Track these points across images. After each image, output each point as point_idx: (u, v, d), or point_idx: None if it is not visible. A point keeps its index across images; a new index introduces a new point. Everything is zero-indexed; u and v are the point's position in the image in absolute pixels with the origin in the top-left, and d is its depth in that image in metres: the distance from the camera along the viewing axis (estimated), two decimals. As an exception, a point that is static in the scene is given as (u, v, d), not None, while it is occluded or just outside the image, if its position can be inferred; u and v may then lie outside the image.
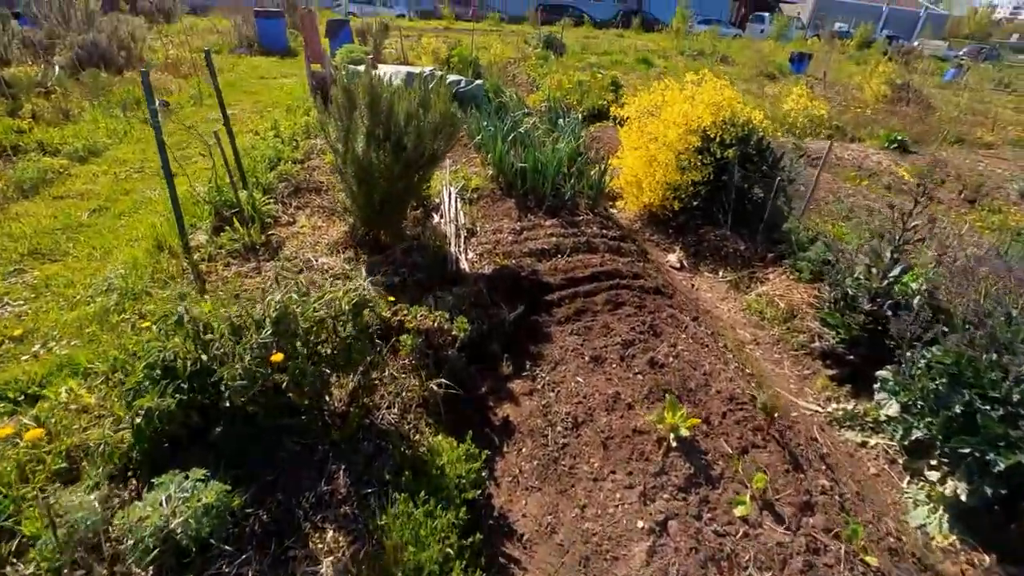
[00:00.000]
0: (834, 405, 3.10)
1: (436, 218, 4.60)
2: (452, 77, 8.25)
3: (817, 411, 3.12)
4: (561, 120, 6.72)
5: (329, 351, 2.26)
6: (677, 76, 14.75)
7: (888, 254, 2.90)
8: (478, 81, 8.36)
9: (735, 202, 4.53)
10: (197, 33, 17.18)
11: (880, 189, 7.19)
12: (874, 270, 2.98)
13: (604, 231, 4.32)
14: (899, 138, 9.98)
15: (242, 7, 17.69)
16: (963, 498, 2.11)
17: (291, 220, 4.43)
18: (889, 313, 2.90)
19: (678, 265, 4.56)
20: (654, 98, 4.86)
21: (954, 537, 2.24)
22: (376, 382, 2.51)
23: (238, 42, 14.92)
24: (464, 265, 4.00)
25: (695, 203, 4.84)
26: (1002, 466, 1.97)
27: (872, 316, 2.94)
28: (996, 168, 9.56)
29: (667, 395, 2.48)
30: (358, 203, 3.69)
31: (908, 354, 2.50)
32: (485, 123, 5.53)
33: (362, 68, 8.37)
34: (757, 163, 4.80)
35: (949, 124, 12.17)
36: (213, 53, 14.24)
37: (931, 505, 2.34)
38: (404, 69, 8.51)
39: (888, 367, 2.73)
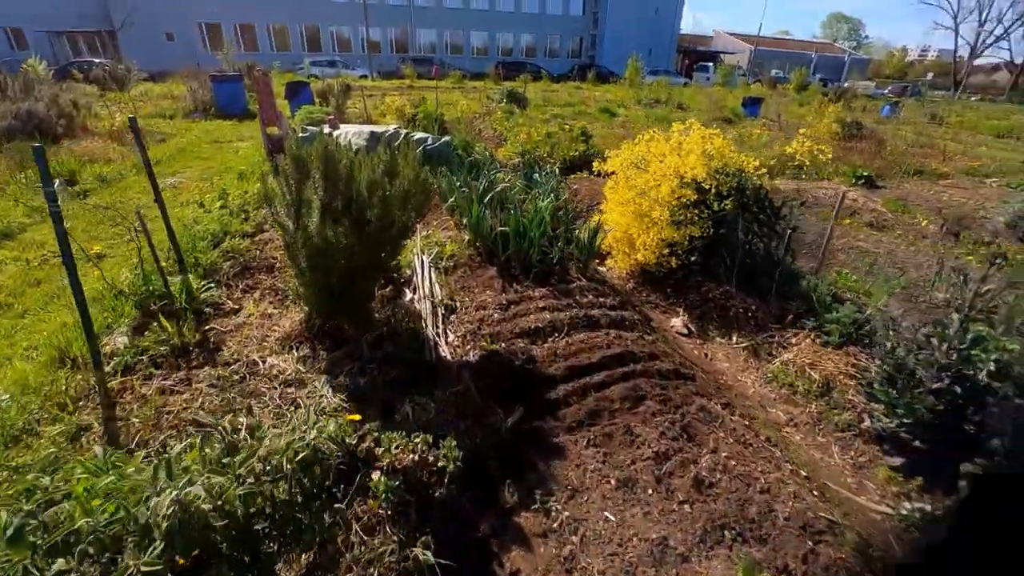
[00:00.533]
0: (907, 505, 2.55)
1: (408, 294, 4.01)
2: (418, 135, 7.89)
3: (887, 513, 2.57)
4: (537, 175, 6.36)
5: (267, 527, 1.58)
6: (639, 124, 14.87)
7: (956, 323, 2.46)
8: (445, 138, 8.03)
9: (740, 256, 4.12)
10: (151, 99, 16.67)
11: (863, 227, 7.04)
12: (935, 341, 2.53)
13: (601, 299, 3.81)
14: (864, 174, 10.14)
15: (200, 73, 17.39)
16: None
17: (236, 307, 3.75)
18: (958, 390, 2.43)
19: (685, 331, 4.06)
20: (639, 150, 4.52)
21: None
22: (338, 554, 1.82)
23: (194, 106, 14.45)
24: (445, 351, 3.39)
25: (692, 259, 4.43)
26: None
27: (943, 396, 2.46)
28: (959, 198, 9.74)
29: (725, 532, 1.89)
30: (314, 291, 3.07)
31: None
32: (458, 183, 5.08)
33: (322, 129, 7.96)
34: (755, 213, 4.46)
35: (902, 157, 12.59)
36: (166, 119, 13.74)
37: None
38: (367, 128, 8.13)
39: (978, 461, 2.22)
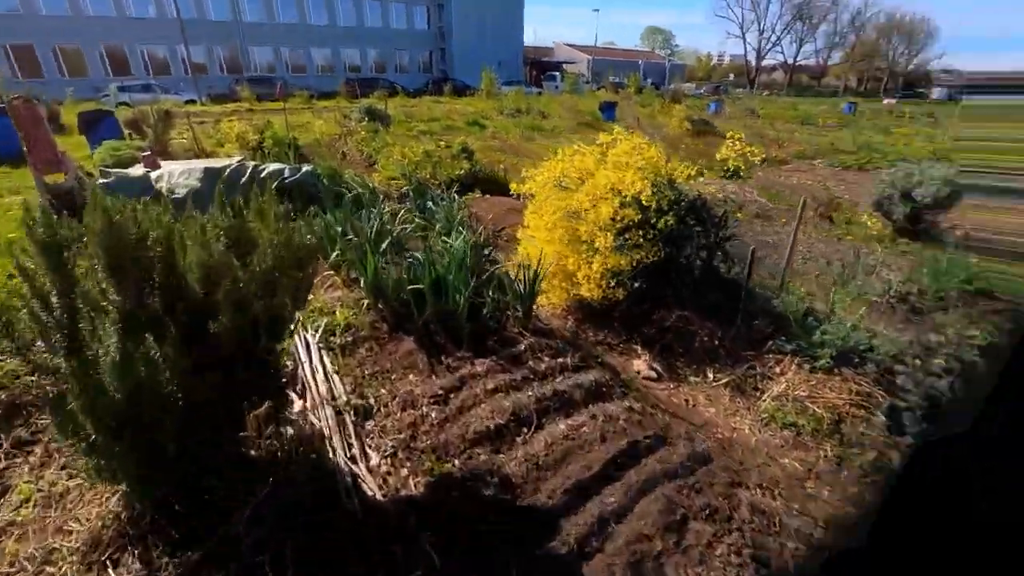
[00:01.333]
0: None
1: (296, 401, 2.80)
2: (271, 166, 6.42)
3: None
4: (431, 202, 5.40)
5: None
6: (511, 134, 14.48)
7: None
8: (306, 167, 6.64)
9: (698, 275, 3.62)
10: None
11: (755, 219, 7.25)
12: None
13: (559, 358, 3.00)
14: (730, 167, 10.83)
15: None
16: None
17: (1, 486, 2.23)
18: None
19: (652, 374, 3.43)
20: (561, 167, 3.82)
21: None
22: None
23: (-64, 153, 10.75)
24: (370, 486, 2.30)
25: (636, 284, 3.85)
26: None
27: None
28: (806, 180, 10.86)
29: None
30: (129, 459, 1.78)
31: None
32: (339, 228, 3.91)
33: (134, 172, 6.07)
34: (692, 225, 4.03)
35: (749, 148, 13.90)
36: None
37: None
38: (199, 164, 6.41)
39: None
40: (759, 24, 73.42)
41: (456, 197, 5.47)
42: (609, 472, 2.10)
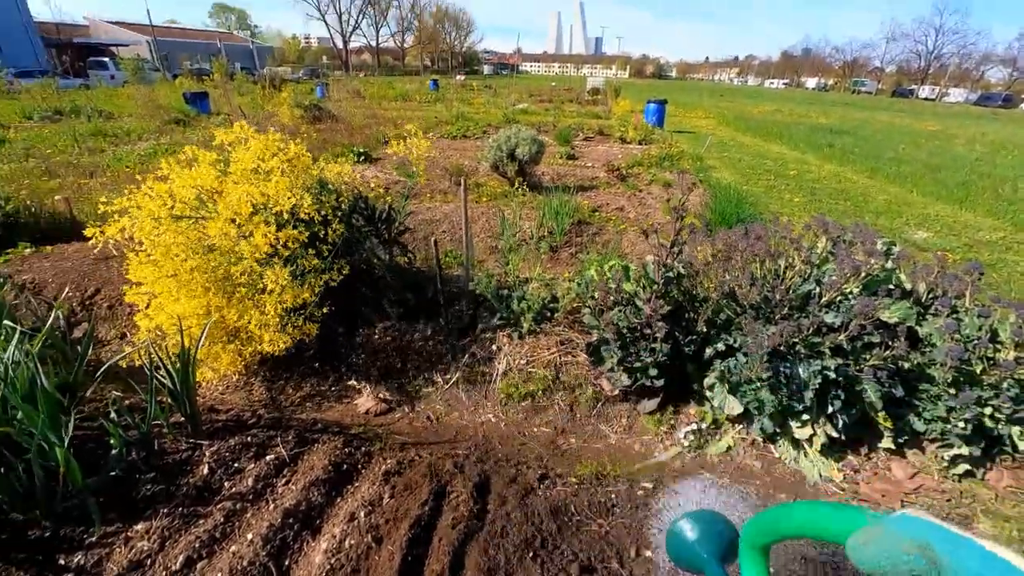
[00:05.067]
0: (682, 431, 2.72)
1: None
2: None
3: (682, 449, 2.66)
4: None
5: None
6: (63, 148, 10.55)
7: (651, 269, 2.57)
8: None
9: (387, 278, 3.25)
10: None
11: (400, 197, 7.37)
12: (641, 292, 2.61)
13: (268, 454, 2.18)
14: (361, 150, 10.73)
15: None
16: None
17: None
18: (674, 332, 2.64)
19: (383, 406, 2.97)
20: (171, 187, 2.69)
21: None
22: None
23: None
24: None
25: (325, 310, 3.24)
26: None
27: (668, 339, 2.61)
28: (431, 153, 11.86)
29: None
30: None
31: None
32: None
33: None
34: (361, 227, 3.62)
35: (368, 129, 14.14)
36: None
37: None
38: None
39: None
40: (336, 7, 75.22)
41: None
42: (413, 571, 1.60)
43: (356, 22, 78.18)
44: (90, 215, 5.24)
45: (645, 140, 12.80)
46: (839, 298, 2.50)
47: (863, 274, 2.46)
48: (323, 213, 3.01)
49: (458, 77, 50.28)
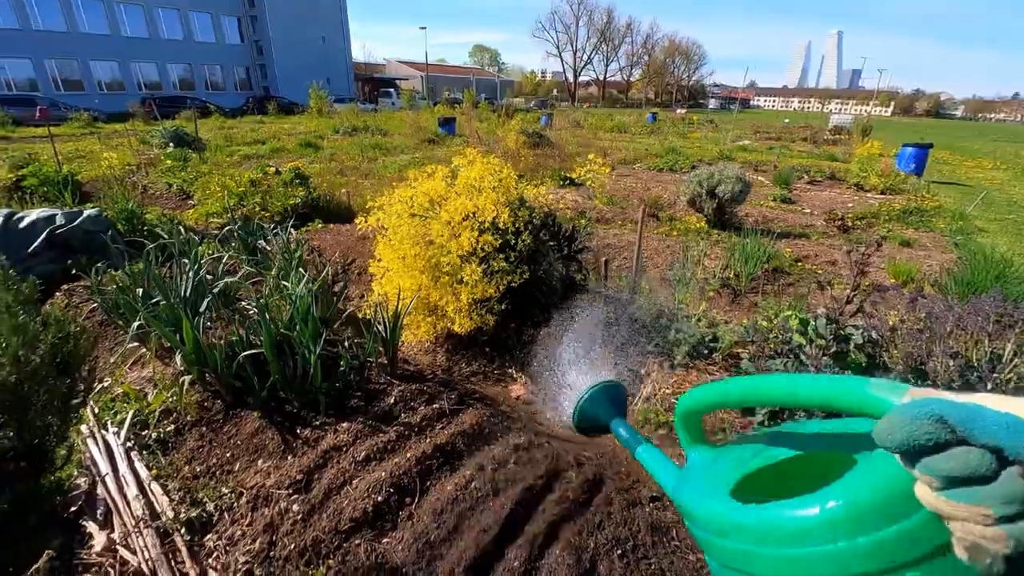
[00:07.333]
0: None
1: (98, 536, 2.09)
2: (34, 213, 5.02)
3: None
4: (263, 240, 4.71)
5: None
6: (352, 153, 13.86)
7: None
8: (89, 210, 5.33)
9: (560, 289, 3.66)
10: None
11: (596, 224, 7.81)
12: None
13: (435, 403, 2.75)
14: (566, 175, 11.62)
15: None
16: None
17: None
18: None
19: (532, 398, 3.37)
20: (411, 192, 3.58)
21: None
22: None
23: None
24: (218, 628, 1.79)
25: (503, 306, 3.78)
26: None
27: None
28: (631, 182, 12.15)
29: None
30: None
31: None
32: (140, 289, 3.12)
33: None
34: (545, 240, 4.10)
35: (578, 158, 15.11)
36: None
37: None
38: (-90, 220, 4.75)
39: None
40: (572, 45, 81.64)
41: (292, 231, 4.85)
42: (509, 531, 1.92)
43: (588, 57, 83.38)
44: (360, 207, 6.98)
45: (891, 189, 10.86)
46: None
47: None
48: (516, 225, 3.58)
49: (678, 111, 49.45)
